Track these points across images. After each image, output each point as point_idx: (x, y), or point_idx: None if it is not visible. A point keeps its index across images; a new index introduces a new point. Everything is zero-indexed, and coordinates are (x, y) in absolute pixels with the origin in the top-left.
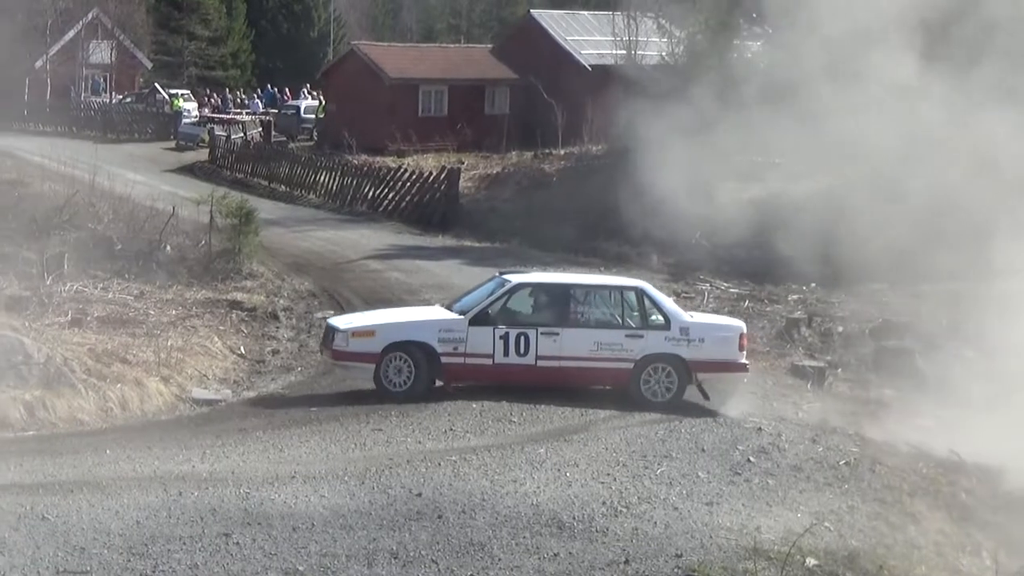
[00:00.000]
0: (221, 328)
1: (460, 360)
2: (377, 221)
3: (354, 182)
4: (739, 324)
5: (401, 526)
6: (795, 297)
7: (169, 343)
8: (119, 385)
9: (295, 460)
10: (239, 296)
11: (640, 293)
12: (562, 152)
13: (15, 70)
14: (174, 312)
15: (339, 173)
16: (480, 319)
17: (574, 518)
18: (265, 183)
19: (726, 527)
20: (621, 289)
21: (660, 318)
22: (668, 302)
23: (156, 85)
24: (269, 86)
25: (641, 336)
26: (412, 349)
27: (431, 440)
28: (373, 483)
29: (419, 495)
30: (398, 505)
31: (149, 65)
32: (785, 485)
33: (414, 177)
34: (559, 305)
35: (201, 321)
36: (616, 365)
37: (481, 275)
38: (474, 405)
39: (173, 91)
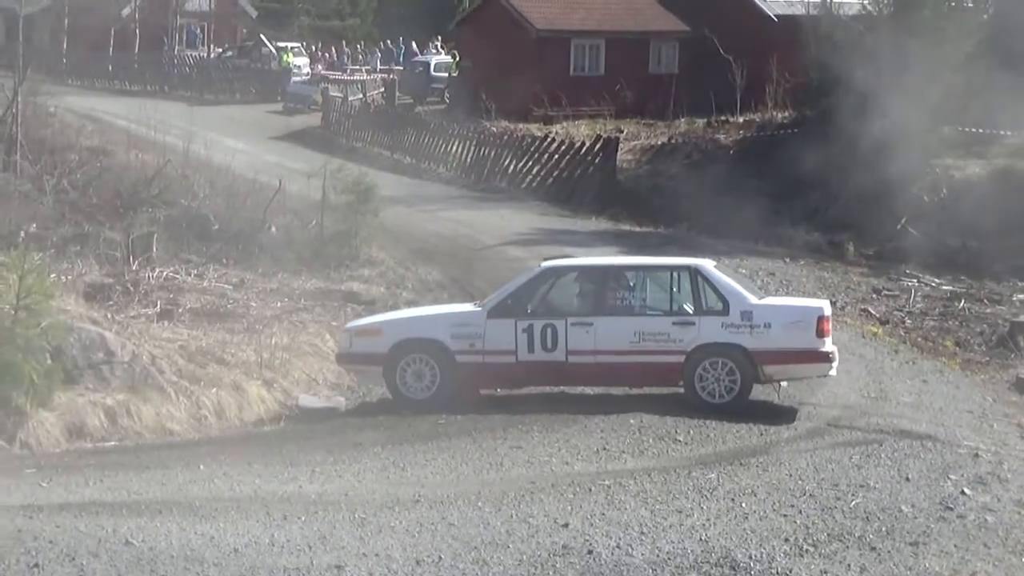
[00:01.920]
0: (334, 324)
1: (478, 359)
2: (519, 199)
3: (492, 153)
4: (818, 305)
5: (544, 562)
6: (1022, 296)
7: (273, 341)
8: (215, 389)
9: (419, 481)
10: (355, 287)
11: (694, 273)
12: (741, 120)
13: (99, 18)
14: (279, 304)
15: (475, 143)
16: (501, 311)
17: (750, 557)
18: (387, 153)
19: (934, 572)
20: (670, 269)
21: (718, 302)
22: (731, 283)
23: (261, 37)
24: (391, 41)
25: (692, 324)
26: (427, 348)
27: (580, 461)
28: (511, 510)
29: (566, 526)
30: (541, 537)
31: (253, 14)
32: (1008, 523)
33: (563, 148)
34: (594, 291)
35: (311, 315)
36: (662, 359)
37: None
38: (631, 420)
39: (282, 44)
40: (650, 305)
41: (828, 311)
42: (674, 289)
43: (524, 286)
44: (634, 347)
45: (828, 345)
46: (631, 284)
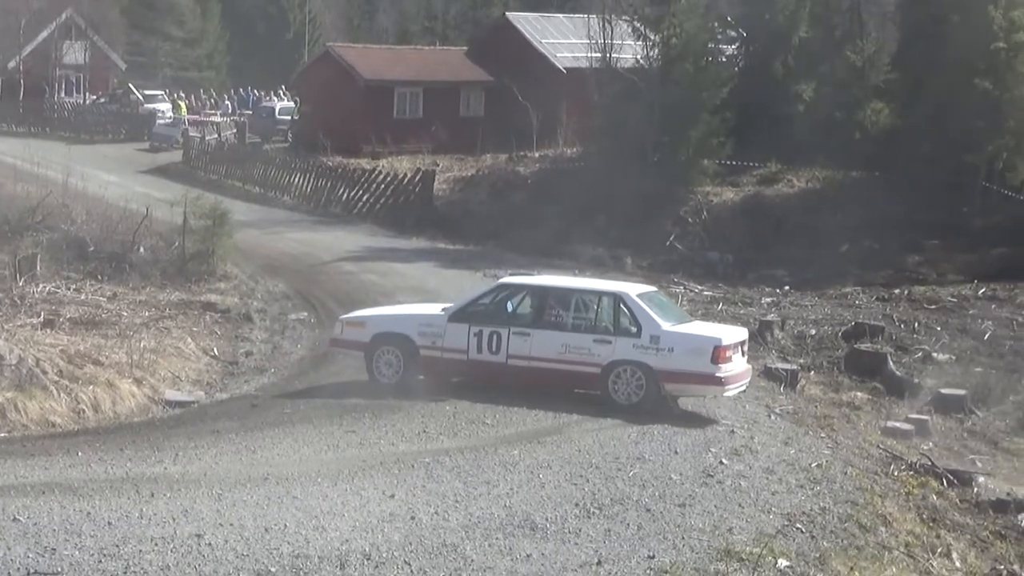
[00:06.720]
0: (194, 330)
1: (437, 354)
2: (351, 223)
3: (328, 184)
4: (717, 336)
5: (374, 527)
6: (768, 300)
7: (142, 345)
8: (91, 387)
9: (268, 462)
10: (212, 298)
11: (618, 299)
12: (537, 155)
13: None
14: (147, 314)
15: (313, 175)
16: (458, 316)
17: (547, 519)
18: (239, 184)
19: (698, 528)
20: (599, 294)
21: (633, 325)
22: (647, 310)
23: (130, 85)
24: (243, 89)
25: (609, 342)
26: (398, 341)
27: (404, 442)
28: (346, 485)
29: (392, 497)
30: (371, 507)
31: (123, 66)
32: (757, 487)
33: (388, 179)
34: (535, 307)
35: (174, 323)
36: (583, 369)
37: (455, 277)
38: (447, 407)
39: (149, 92)
40: (577, 323)
41: (728, 341)
42: (599, 311)
43: (481, 297)
44: (561, 357)
45: (724, 370)
46: (565, 303)
